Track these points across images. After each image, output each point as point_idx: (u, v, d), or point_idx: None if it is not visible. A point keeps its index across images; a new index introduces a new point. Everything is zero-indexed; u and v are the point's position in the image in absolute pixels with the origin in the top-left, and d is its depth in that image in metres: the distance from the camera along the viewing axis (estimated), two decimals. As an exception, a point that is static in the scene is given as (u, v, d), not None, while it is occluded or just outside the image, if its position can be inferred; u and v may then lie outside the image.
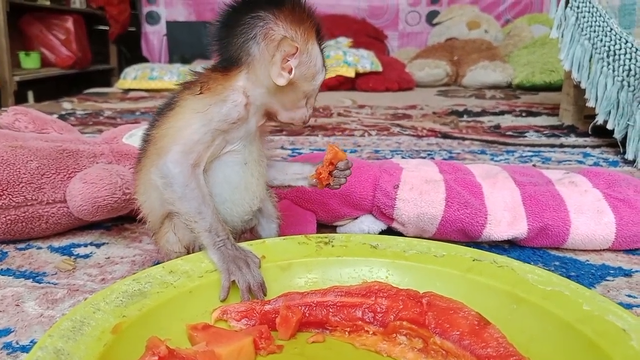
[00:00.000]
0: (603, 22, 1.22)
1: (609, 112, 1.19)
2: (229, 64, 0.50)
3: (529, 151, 1.27)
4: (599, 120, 1.22)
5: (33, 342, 0.47)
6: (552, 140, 1.39)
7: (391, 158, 1.18)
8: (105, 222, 0.77)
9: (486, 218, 0.66)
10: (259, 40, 0.48)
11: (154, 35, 3.75)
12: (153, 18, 3.74)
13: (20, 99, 2.57)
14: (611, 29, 1.19)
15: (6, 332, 0.49)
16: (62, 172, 0.71)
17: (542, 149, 1.30)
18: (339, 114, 1.86)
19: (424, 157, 1.20)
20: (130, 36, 3.71)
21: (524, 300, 0.44)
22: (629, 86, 1.14)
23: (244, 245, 0.51)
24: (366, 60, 2.69)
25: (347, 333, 0.45)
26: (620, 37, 1.17)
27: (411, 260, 0.51)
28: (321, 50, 0.51)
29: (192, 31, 3.42)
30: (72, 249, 0.69)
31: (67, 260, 0.65)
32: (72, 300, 0.55)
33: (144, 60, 3.59)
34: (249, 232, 0.60)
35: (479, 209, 0.67)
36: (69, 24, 2.98)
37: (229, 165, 0.52)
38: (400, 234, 0.70)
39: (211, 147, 0.50)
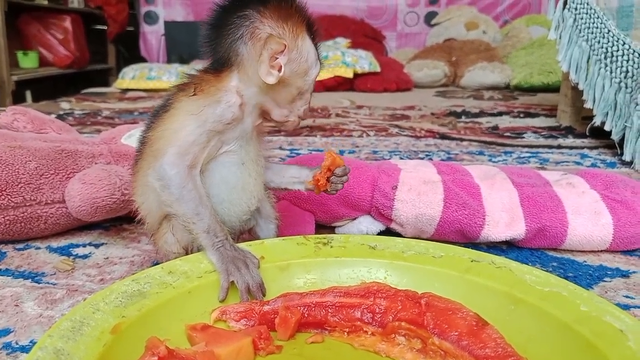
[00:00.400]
0: (601, 23, 1.22)
1: (607, 114, 1.20)
2: (220, 65, 0.49)
3: (526, 152, 1.27)
4: (597, 121, 1.22)
5: (32, 342, 0.47)
6: (549, 142, 1.39)
7: (389, 159, 1.18)
8: (104, 223, 0.77)
9: (484, 219, 0.66)
10: (245, 40, 0.48)
11: (152, 35, 3.75)
12: (151, 18, 3.74)
13: (18, 99, 2.56)
14: (609, 31, 1.20)
15: (5, 332, 0.49)
16: (60, 172, 0.71)
17: (540, 150, 1.30)
18: (337, 115, 1.87)
19: (422, 158, 1.20)
20: (128, 36, 3.70)
21: (522, 301, 0.44)
22: (626, 88, 1.15)
23: (242, 245, 0.51)
24: (364, 61, 2.69)
25: (345, 333, 0.45)
26: (618, 39, 1.17)
27: (410, 261, 0.51)
28: (315, 45, 0.51)
29: (190, 31, 3.41)
30: (70, 249, 0.69)
31: (66, 260, 0.65)
32: (71, 300, 0.55)
33: (142, 60, 3.59)
34: (248, 233, 0.60)
35: (477, 210, 0.67)
36: (67, 23, 2.97)
37: (226, 166, 0.52)
38: (398, 235, 0.70)
39: (207, 148, 0.50)
